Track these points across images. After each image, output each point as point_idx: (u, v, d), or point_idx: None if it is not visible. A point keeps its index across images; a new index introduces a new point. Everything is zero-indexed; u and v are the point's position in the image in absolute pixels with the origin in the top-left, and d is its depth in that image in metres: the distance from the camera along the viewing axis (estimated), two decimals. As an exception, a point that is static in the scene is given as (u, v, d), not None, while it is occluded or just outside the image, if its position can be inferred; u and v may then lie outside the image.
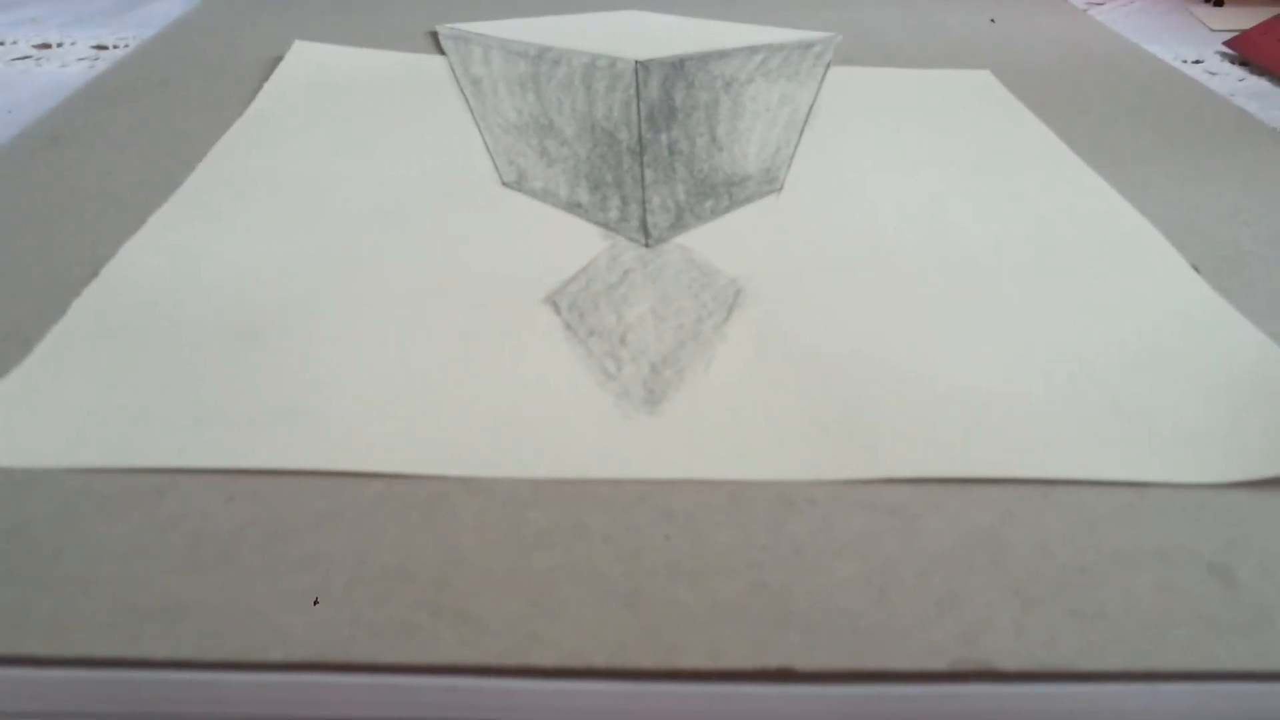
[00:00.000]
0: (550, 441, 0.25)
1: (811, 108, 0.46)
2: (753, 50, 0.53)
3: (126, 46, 0.56)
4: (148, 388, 0.26)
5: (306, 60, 0.49)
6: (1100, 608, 0.21)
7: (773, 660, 0.19)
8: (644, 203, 0.36)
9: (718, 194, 0.37)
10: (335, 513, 0.22)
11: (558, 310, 0.30)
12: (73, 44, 0.57)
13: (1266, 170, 0.42)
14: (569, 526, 0.22)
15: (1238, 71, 0.61)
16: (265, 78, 0.47)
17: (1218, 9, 0.76)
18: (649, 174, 0.38)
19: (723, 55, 0.52)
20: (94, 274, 0.31)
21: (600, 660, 0.19)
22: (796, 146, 0.42)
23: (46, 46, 0.56)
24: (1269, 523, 0.23)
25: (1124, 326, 0.30)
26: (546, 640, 0.20)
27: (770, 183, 0.38)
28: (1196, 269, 0.34)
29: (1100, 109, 0.48)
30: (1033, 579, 0.21)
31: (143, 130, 0.41)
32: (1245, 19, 0.72)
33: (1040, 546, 0.22)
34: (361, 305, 0.30)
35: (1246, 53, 0.63)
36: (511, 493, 0.23)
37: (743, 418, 0.26)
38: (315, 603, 0.20)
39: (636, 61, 0.50)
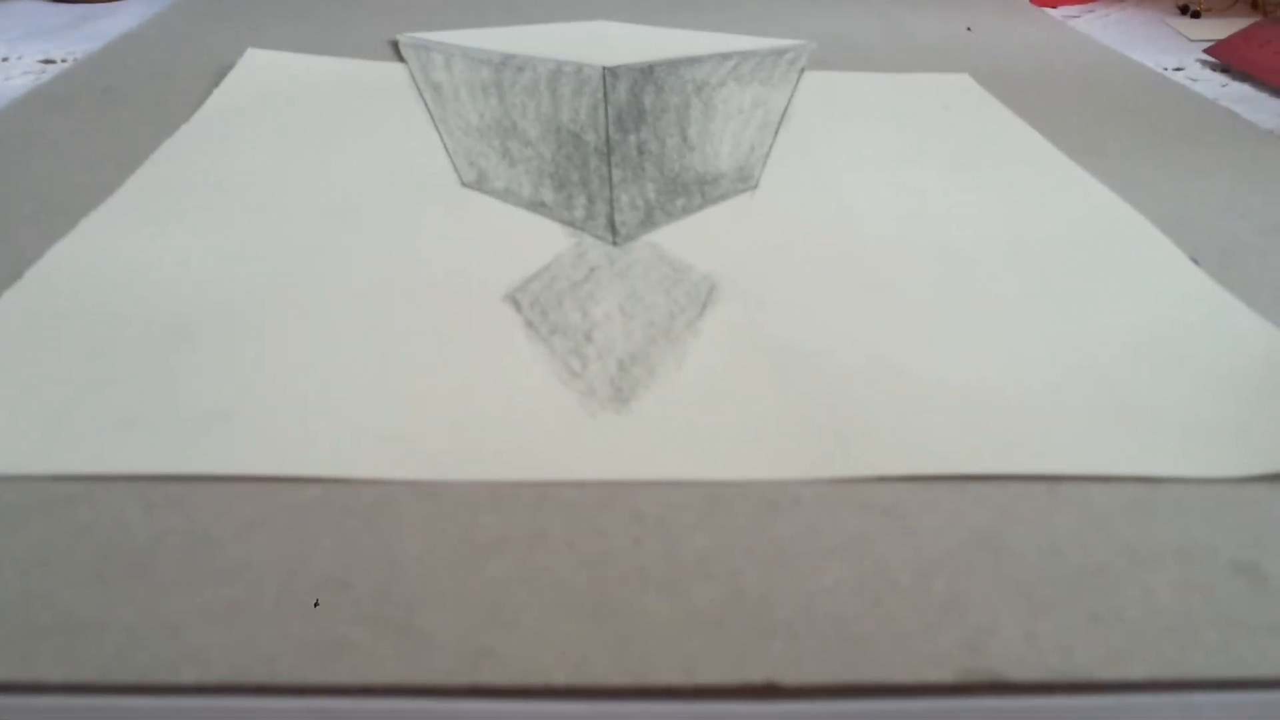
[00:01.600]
0: (508, 442, 0.23)
1: (786, 109, 0.44)
2: (724, 56, 0.51)
3: (76, 60, 0.54)
4: (66, 391, 0.23)
5: (259, 67, 0.47)
6: (1118, 611, 0.19)
7: (755, 675, 0.17)
8: (611, 201, 0.34)
9: (689, 192, 0.35)
10: (264, 520, 0.20)
11: (518, 308, 0.28)
12: (19, 58, 0.54)
13: (1259, 167, 0.41)
14: (527, 532, 0.20)
15: (1219, 78, 0.60)
16: (216, 84, 0.45)
17: (1194, 20, 0.75)
18: (617, 173, 0.36)
19: (693, 61, 0.50)
20: (17, 276, 0.28)
21: (561, 678, 0.17)
22: (772, 145, 0.40)
23: (-9, 62, 0.54)
24: (1295, 517, 0.21)
25: (1123, 319, 0.28)
26: (500, 656, 0.17)
27: (744, 180, 0.36)
28: (1196, 261, 0.32)
29: (1084, 111, 0.47)
30: (1042, 581, 0.19)
31: (83, 137, 0.39)
32: (1222, 30, 0.71)
33: (1048, 547, 0.20)
34: (305, 304, 0.28)
35: (1228, 59, 0.62)
36: (464, 497, 0.21)
37: (719, 416, 0.24)
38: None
39: (605, 68, 0.48)
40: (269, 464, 0.21)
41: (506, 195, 0.35)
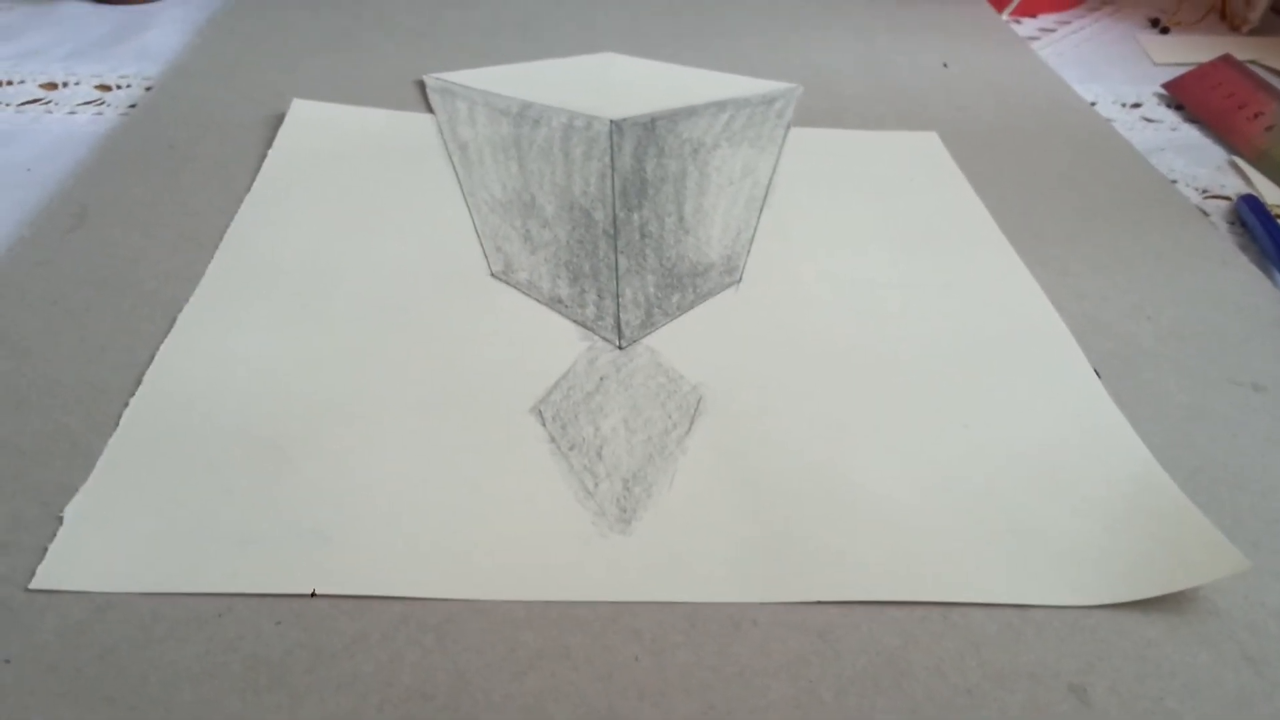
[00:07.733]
0: (539, 563, 0.30)
1: (770, 182, 0.50)
2: (720, 108, 0.57)
3: (129, 86, 0.59)
4: (196, 508, 0.31)
5: (306, 123, 0.53)
6: (978, 726, 0.26)
7: (717, 776, 0.25)
8: (618, 297, 0.41)
9: (683, 287, 0.42)
10: (364, 635, 0.27)
11: (543, 422, 0.35)
12: (77, 84, 0.60)
13: (1176, 252, 0.47)
14: (555, 649, 0.27)
15: (1172, 118, 0.66)
16: (266, 138, 0.51)
17: (1163, 36, 0.80)
18: (623, 261, 0.43)
19: (691, 114, 0.56)
20: (136, 380, 0.35)
21: (581, 777, 0.24)
22: (756, 228, 0.46)
23: (53, 87, 0.59)
24: (1122, 643, 0.28)
25: (1027, 441, 0.35)
26: (539, 758, 0.25)
27: (730, 273, 0.43)
28: (1098, 373, 0.39)
29: (1033, 179, 0.53)
30: (927, 700, 0.27)
31: (158, 205, 0.45)
32: (1189, 49, 0.77)
33: (935, 668, 0.28)
34: (371, 417, 0.34)
35: (1182, 97, 0.67)
36: (508, 614, 0.28)
37: (698, 539, 0.31)
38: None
39: (611, 121, 0.54)
40: (362, 585, 0.29)
41: (529, 289, 0.41)
